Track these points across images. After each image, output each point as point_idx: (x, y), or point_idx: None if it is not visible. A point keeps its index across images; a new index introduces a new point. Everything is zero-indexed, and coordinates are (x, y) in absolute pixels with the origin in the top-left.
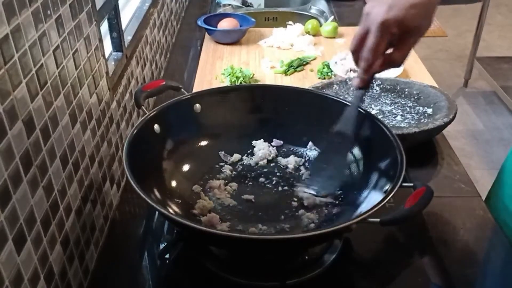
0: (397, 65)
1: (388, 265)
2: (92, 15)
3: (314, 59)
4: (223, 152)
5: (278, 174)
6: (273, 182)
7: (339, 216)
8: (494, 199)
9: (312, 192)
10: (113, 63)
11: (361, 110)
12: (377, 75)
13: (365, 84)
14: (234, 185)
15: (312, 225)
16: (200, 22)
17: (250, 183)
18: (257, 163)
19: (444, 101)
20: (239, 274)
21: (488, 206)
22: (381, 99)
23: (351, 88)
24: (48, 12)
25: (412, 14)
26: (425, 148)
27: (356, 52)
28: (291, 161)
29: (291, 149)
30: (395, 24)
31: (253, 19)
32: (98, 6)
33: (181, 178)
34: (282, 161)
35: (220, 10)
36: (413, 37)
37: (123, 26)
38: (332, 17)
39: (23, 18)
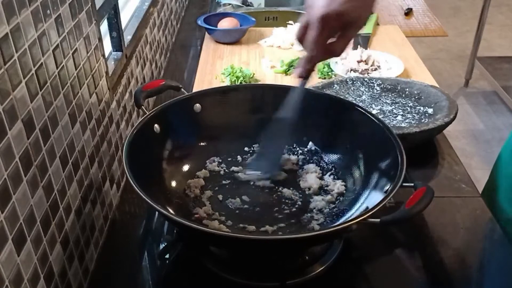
0: (337, 54)
1: (388, 265)
2: (92, 15)
3: None
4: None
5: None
6: (273, 183)
7: (339, 216)
8: (488, 196)
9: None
10: (112, 62)
11: (302, 97)
12: (377, 75)
13: (307, 73)
14: (234, 185)
15: (312, 225)
16: (200, 22)
17: (250, 183)
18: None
19: (445, 101)
20: (239, 274)
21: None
22: (382, 99)
23: (352, 88)
24: (48, 11)
25: (352, 7)
26: (425, 148)
27: (301, 41)
28: (293, 161)
29: (290, 149)
30: (335, 17)
31: (253, 19)
32: (97, 6)
33: (181, 178)
34: (281, 161)
35: (220, 10)
36: (353, 28)
37: (123, 26)
38: None
39: (23, 17)
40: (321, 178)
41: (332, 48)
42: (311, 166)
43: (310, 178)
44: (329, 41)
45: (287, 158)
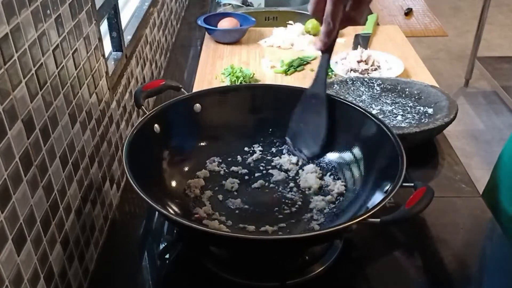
0: (357, 22)
1: (388, 265)
2: (92, 15)
3: (315, 58)
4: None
5: (277, 174)
6: (273, 183)
7: (339, 216)
8: (490, 195)
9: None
10: (112, 62)
11: (327, 72)
12: (377, 75)
13: (328, 47)
14: (234, 185)
15: (312, 225)
16: (200, 22)
17: (250, 183)
18: (256, 164)
19: (445, 101)
20: (239, 274)
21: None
22: (382, 99)
23: (352, 88)
24: (48, 11)
25: None
26: (425, 148)
27: (315, 14)
28: (293, 161)
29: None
30: None
31: (253, 19)
32: (97, 6)
33: (181, 178)
34: (281, 161)
35: (220, 10)
36: None
37: (123, 26)
38: None
39: (23, 17)
40: (321, 178)
41: (351, 15)
42: (311, 166)
43: (310, 178)
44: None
45: (287, 158)
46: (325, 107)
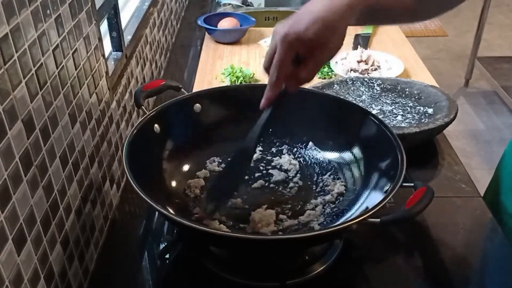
0: (303, 82)
1: (388, 265)
2: (92, 15)
3: None
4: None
5: (277, 174)
6: (273, 183)
7: (339, 216)
8: (491, 196)
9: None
10: (112, 62)
11: (263, 131)
12: (377, 75)
13: (269, 103)
14: None
15: (312, 225)
16: (200, 22)
17: (250, 183)
18: (256, 164)
19: (445, 101)
20: (239, 274)
21: (485, 203)
22: (382, 99)
23: (352, 88)
24: (48, 11)
25: (316, 30)
26: (425, 148)
27: (267, 70)
28: (293, 162)
29: (290, 149)
30: (296, 38)
31: (253, 19)
32: (97, 6)
33: (181, 178)
34: (281, 161)
35: (220, 10)
36: (320, 54)
37: (123, 26)
38: None
39: (23, 17)
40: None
41: (298, 74)
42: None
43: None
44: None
45: (287, 158)
46: (249, 163)
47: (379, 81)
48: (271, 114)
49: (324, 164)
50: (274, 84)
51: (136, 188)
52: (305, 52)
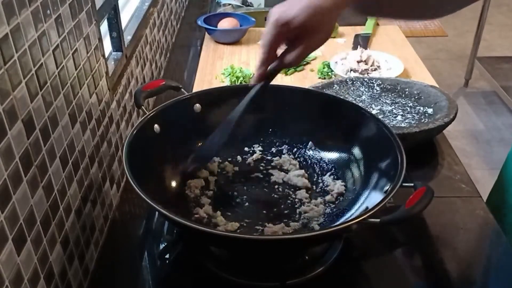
0: (289, 65)
1: (388, 265)
2: (92, 15)
3: (315, 59)
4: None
5: (277, 174)
6: (273, 183)
7: (339, 216)
8: (496, 199)
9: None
10: (112, 63)
11: (249, 104)
12: (377, 75)
13: (260, 79)
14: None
15: (312, 225)
16: (200, 22)
17: (249, 183)
18: (256, 164)
19: (445, 101)
20: (239, 275)
21: (490, 207)
22: (382, 99)
23: (352, 88)
24: (48, 11)
25: (307, 15)
26: (425, 148)
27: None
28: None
29: (290, 149)
30: (286, 22)
31: (253, 19)
32: (97, 6)
33: (181, 178)
34: (281, 161)
35: (220, 10)
36: (308, 39)
37: (123, 26)
38: None
39: (23, 17)
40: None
41: (284, 58)
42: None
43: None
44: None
45: (287, 158)
46: (228, 132)
47: (379, 81)
48: (260, 90)
49: (324, 164)
50: (262, 62)
51: (136, 188)
52: (294, 36)
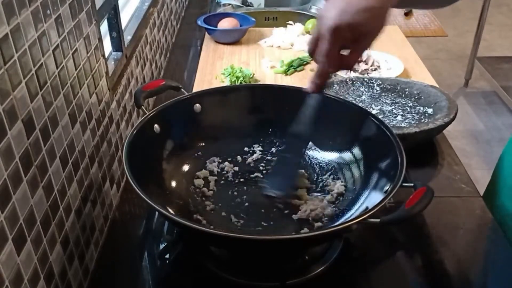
0: (350, 67)
1: (388, 265)
2: (92, 15)
3: None
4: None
5: None
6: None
7: (339, 216)
8: (491, 196)
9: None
10: (112, 63)
11: (317, 111)
12: (377, 75)
13: (318, 89)
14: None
15: (313, 225)
16: (200, 22)
17: (249, 183)
18: (256, 164)
19: (445, 101)
20: (239, 274)
21: (485, 203)
22: (382, 99)
23: (352, 88)
24: (48, 12)
25: (364, 18)
26: (425, 148)
27: (313, 54)
28: None
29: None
30: (346, 29)
31: (253, 19)
32: (97, 6)
33: (181, 178)
34: None
35: (220, 10)
36: (366, 40)
37: (123, 26)
38: None
39: (23, 18)
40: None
41: (345, 61)
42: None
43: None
44: (342, 52)
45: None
46: (305, 148)
47: (379, 81)
48: (320, 98)
49: (324, 164)
50: (323, 73)
51: (136, 188)
52: (352, 40)
